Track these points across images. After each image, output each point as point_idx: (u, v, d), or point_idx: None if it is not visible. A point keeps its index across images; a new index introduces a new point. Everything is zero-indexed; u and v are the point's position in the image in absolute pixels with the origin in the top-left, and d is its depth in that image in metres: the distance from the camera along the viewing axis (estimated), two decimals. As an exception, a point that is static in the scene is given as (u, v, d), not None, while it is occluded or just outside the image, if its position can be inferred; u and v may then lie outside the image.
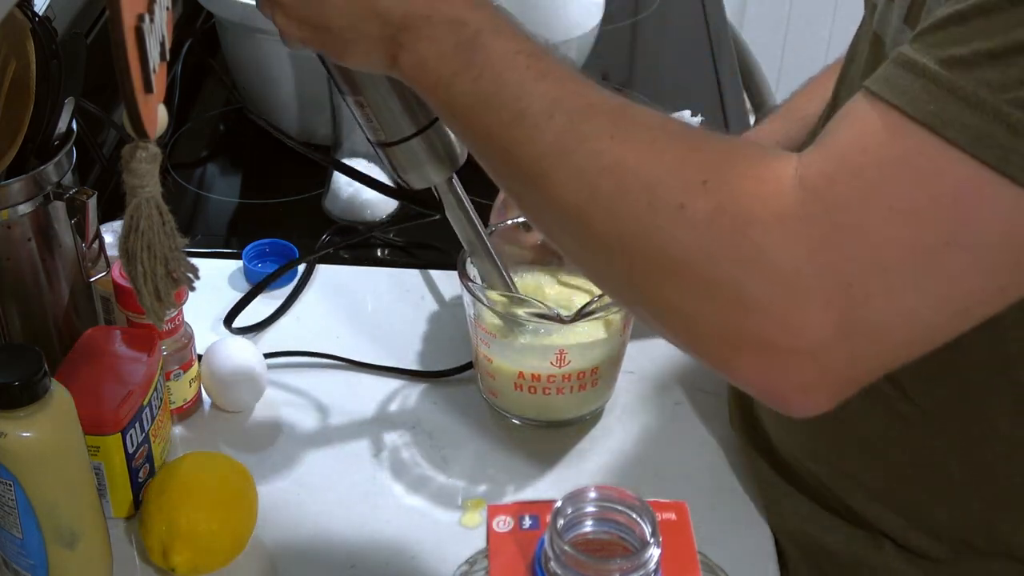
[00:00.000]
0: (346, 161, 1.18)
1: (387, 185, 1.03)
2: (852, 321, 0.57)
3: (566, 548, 0.51)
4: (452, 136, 0.80)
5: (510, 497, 0.89)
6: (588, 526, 0.53)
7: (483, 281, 0.90)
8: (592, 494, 0.54)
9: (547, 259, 0.96)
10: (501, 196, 1.00)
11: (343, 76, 0.77)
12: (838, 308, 0.57)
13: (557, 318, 0.86)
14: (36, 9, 0.87)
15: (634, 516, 0.53)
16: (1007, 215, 0.55)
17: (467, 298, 0.90)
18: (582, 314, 0.86)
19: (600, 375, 0.92)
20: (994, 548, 0.77)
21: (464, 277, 0.90)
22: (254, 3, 0.73)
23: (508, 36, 0.66)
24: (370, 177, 1.00)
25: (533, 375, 0.90)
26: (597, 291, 0.92)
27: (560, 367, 0.89)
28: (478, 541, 0.85)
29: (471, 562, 0.60)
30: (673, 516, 0.56)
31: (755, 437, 0.89)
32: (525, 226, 0.96)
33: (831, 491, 0.82)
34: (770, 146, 0.62)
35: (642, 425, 0.96)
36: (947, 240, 0.56)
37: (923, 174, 0.56)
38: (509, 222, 0.96)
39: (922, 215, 0.56)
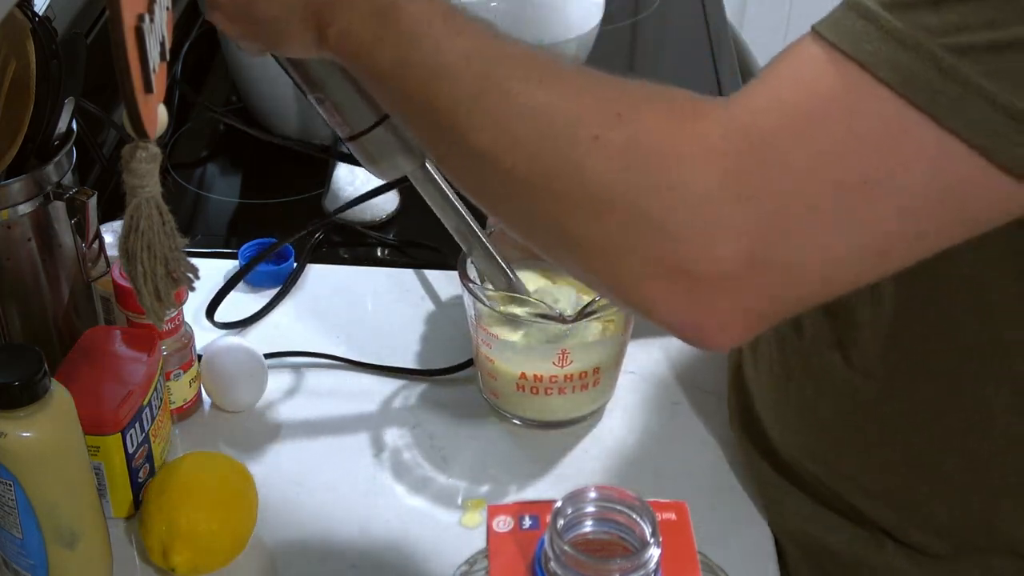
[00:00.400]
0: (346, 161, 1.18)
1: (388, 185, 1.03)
2: (767, 253, 0.58)
3: (566, 548, 0.51)
4: None
5: (510, 497, 0.89)
6: (588, 526, 0.53)
7: (479, 274, 0.90)
8: (592, 494, 0.54)
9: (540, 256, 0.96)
10: None
11: (299, 73, 0.78)
12: (753, 239, 0.57)
13: (559, 318, 0.86)
14: (36, 9, 0.87)
15: (634, 516, 0.53)
16: (932, 157, 0.55)
17: (468, 299, 0.90)
18: (584, 314, 0.86)
19: (602, 375, 0.92)
20: (994, 544, 0.77)
21: (464, 278, 0.90)
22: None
23: (424, 1, 0.66)
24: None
25: (535, 376, 0.90)
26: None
27: (562, 367, 0.89)
28: (478, 541, 0.85)
29: (471, 562, 0.60)
30: (673, 516, 0.56)
31: (755, 437, 0.89)
32: None
33: (830, 490, 0.82)
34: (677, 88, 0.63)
35: (642, 425, 0.96)
36: (869, 179, 0.56)
37: (852, 111, 0.56)
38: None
39: (847, 152, 0.56)
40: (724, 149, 0.58)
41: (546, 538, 0.53)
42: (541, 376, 0.90)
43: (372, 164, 0.81)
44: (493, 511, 0.57)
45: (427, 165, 0.83)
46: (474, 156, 0.64)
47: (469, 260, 0.91)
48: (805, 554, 0.84)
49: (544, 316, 0.87)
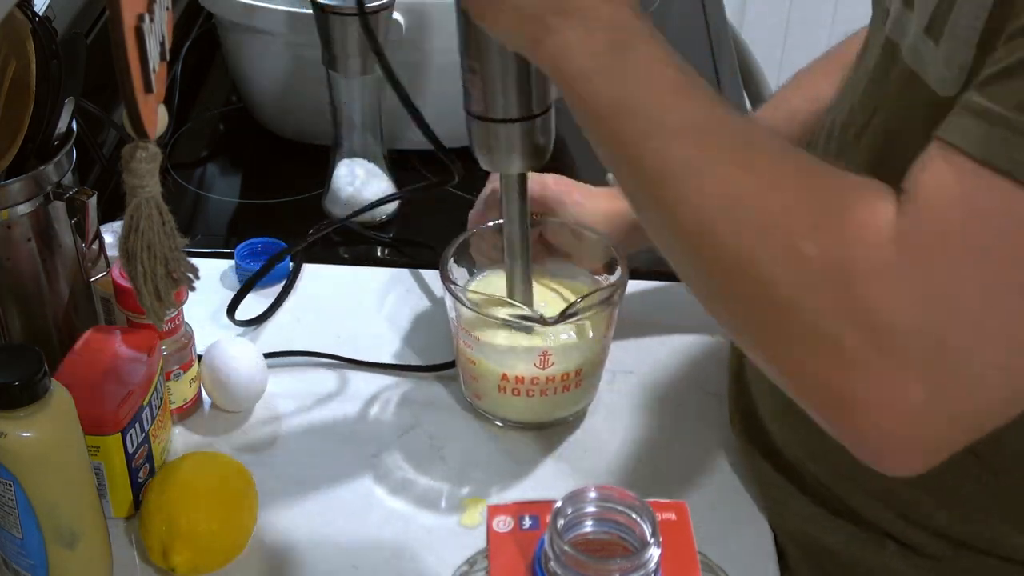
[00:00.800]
0: (346, 161, 1.18)
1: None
2: (949, 379, 0.58)
3: (566, 548, 0.51)
4: (552, 133, 0.79)
5: (510, 497, 0.89)
6: (588, 526, 0.53)
7: (507, 282, 0.89)
8: (592, 494, 0.54)
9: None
10: (482, 197, 1.00)
11: (473, 39, 0.76)
12: (935, 368, 0.58)
13: (540, 320, 0.86)
14: (36, 9, 0.87)
15: (634, 516, 0.53)
16: None
17: (449, 300, 0.90)
18: (565, 316, 0.86)
19: (583, 376, 0.92)
20: (994, 547, 0.77)
21: (446, 279, 0.90)
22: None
23: (657, 47, 0.67)
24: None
25: (517, 377, 0.89)
26: (575, 295, 0.93)
27: (543, 368, 0.89)
28: (478, 541, 0.85)
29: (471, 562, 0.60)
30: (673, 516, 0.56)
31: (756, 437, 0.89)
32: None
33: (831, 491, 0.82)
34: (869, 180, 0.63)
35: (642, 425, 0.96)
36: None
37: (1009, 224, 0.57)
38: (491, 224, 0.95)
39: (1012, 265, 0.57)
40: (899, 270, 0.59)
41: (546, 538, 0.53)
42: (523, 378, 0.89)
43: (486, 152, 0.80)
44: (493, 511, 0.57)
45: (526, 178, 0.82)
46: (670, 221, 0.66)
47: (451, 261, 0.91)
48: (805, 554, 0.84)
49: (525, 318, 0.87)
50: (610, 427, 0.95)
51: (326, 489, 0.89)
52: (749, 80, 1.58)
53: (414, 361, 1.01)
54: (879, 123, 0.75)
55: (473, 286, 0.94)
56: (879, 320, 0.59)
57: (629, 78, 0.66)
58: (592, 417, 0.96)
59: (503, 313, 0.89)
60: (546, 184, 0.96)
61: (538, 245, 0.96)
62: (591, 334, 0.90)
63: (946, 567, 0.78)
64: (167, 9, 0.67)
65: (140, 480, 0.85)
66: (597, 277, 0.96)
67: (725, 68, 1.49)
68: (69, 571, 0.78)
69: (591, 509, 0.54)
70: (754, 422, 0.89)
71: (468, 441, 0.94)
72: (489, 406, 0.93)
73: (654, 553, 0.51)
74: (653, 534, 0.52)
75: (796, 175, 0.64)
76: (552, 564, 0.52)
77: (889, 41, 0.74)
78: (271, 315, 1.05)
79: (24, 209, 0.86)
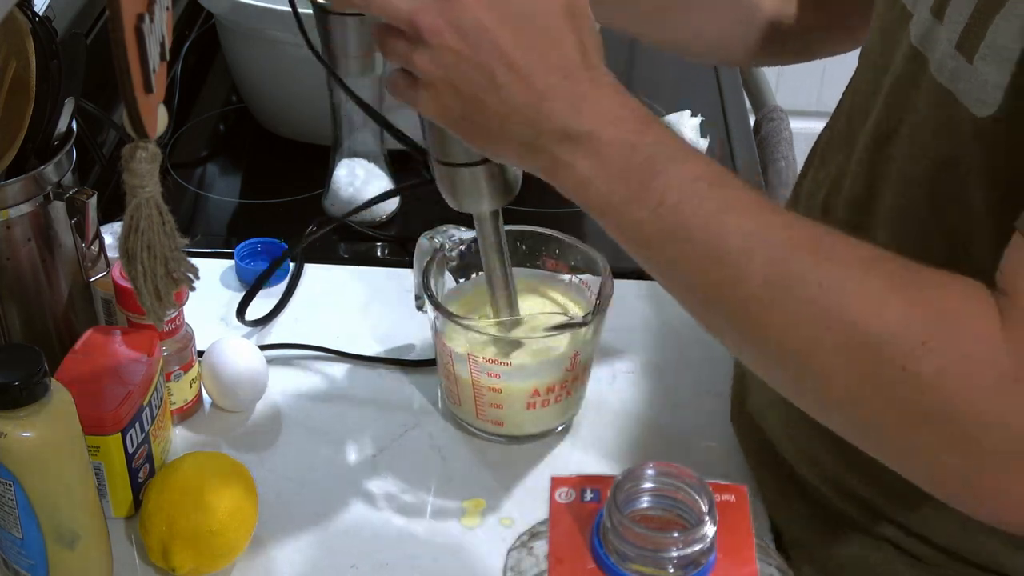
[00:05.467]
0: (346, 161, 1.18)
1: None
2: None
3: (624, 521, 0.52)
4: (517, 171, 0.76)
5: (509, 497, 0.89)
6: (646, 501, 0.55)
7: (491, 309, 0.88)
8: (651, 471, 0.55)
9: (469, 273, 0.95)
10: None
11: None
12: None
13: (581, 322, 0.86)
14: (36, 9, 0.87)
15: (692, 493, 0.54)
16: None
17: (464, 336, 0.88)
18: (597, 311, 0.86)
19: (591, 364, 0.93)
20: (992, 566, 0.76)
21: (452, 318, 0.87)
22: (380, 59, 0.69)
23: (682, 159, 0.63)
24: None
25: (548, 388, 0.89)
26: (553, 294, 0.94)
27: (572, 369, 0.89)
28: (478, 540, 0.86)
29: (532, 532, 0.61)
30: (732, 498, 0.57)
31: (756, 437, 0.89)
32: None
33: (830, 494, 0.82)
34: (964, 284, 0.62)
35: (642, 425, 0.96)
36: None
37: None
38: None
39: None
40: (1016, 377, 0.58)
41: (605, 511, 0.54)
42: (553, 386, 0.89)
43: (452, 196, 0.78)
44: (556, 482, 0.58)
45: (499, 211, 0.80)
46: (765, 349, 0.63)
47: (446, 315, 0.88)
48: (804, 553, 0.84)
49: (567, 325, 0.87)
50: (610, 426, 0.95)
51: (326, 489, 0.89)
52: (749, 80, 1.58)
53: (416, 357, 1.01)
54: (908, 134, 0.72)
55: (460, 303, 0.93)
56: (1006, 427, 0.58)
57: (665, 204, 0.62)
58: (593, 416, 0.96)
59: (538, 329, 0.87)
60: None
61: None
62: (597, 325, 0.90)
63: (944, 572, 0.78)
64: (167, 9, 0.67)
65: (140, 480, 0.85)
66: (542, 270, 0.95)
67: (725, 68, 1.49)
68: (69, 571, 0.78)
69: (650, 485, 0.55)
70: (755, 422, 0.89)
71: (468, 442, 0.93)
72: (512, 428, 0.92)
73: (709, 530, 0.52)
74: (710, 512, 0.53)
75: (891, 288, 0.61)
76: (610, 536, 0.53)
77: (916, 51, 0.71)
78: (277, 314, 1.05)
79: (24, 209, 0.86)
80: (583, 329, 0.87)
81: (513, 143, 0.65)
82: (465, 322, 0.87)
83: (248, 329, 1.04)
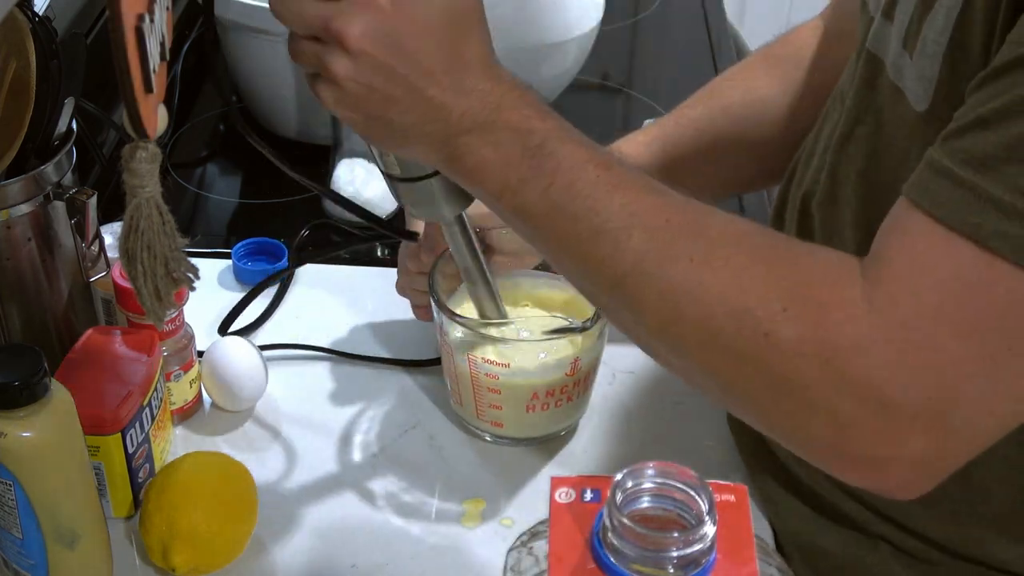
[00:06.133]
0: (346, 161, 1.18)
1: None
2: (939, 428, 0.60)
3: (624, 521, 0.52)
4: None
5: (509, 497, 0.89)
6: (646, 501, 0.55)
7: (477, 309, 0.88)
8: (651, 470, 0.55)
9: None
10: (402, 258, 0.96)
11: None
12: (925, 419, 0.60)
13: (580, 328, 0.86)
14: (36, 9, 0.87)
15: (692, 493, 0.54)
16: None
17: (466, 337, 0.88)
18: (597, 316, 0.86)
19: (594, 371, 0.92)
20: (986, 560, 0.77)
21: (454, 318, 0.87)
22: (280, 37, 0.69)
23: (575, 144, 0.66)
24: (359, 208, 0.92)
25: (548, 391, 0.89)
26: (549, 297, 0.94)
27: (572, 375, 0.89)
28: (478, 540, 0.86)
29: (533, 532, 0.61)
30: (732, 498, 0.57)
31: (753, 438, 0.89)
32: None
33: (824, 496, 0.82)
34: (827, 253, 0.65)
35: (642, 425, 0.96)
36: (1009, 346, 0.59)
37: (976, 288, 0.58)
38: (446, 253, 0.91)
39: (982, 327, 0.59)
40: (876, 339, 0.60)
41: (605, 511, 0.54)
42: (553, 390, 0.89)
43: (413, 207, 0.79)
44: (556, 482, 0.58)
45: (463, 215, 0.81)
46: (637, 322, 0.67)
47: (447, 312, 0.88)
48: (803, 554, 0.84)
49: (564, 330, 0.87)
50: (610, 426, 0.95)
51: (326, 489, 0.89)
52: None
53: (415, 356, 1.01)
54: (863, 134, 0.75)
55: (468, 303, 0.92)
56: (865, 386, 0.60)
57: (556, 184, 0.65)
58: (593, 417, 0.96)
59: (536, 331, 0.88)
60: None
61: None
62: (600, 330, 0.90)
63: (940, 571, 0.78)
64: (167, 9, 0.67)
65: (140, 480, 0.85)
66: (549, 273, 0.95)
67: (725, 68, 1.49)
68: (69, 571, 0.78)
69: (650, 484, 0.55)
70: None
71: (468, 442, 0.93)
72: (511, 431, 0.92)
73: (709, 530, 0.52)
74: (710, 512, 0.53)
75: (755, 261, 0.64)
76: (610, 536, 0.53)
77: (871, 54, 0.75)
78: (266, 319, 1.05)
79: (24, 209, 0.86)
80: (583, 335, 0.87)
81: (422, 141, 0.68)
82: (462, 320, 0.87)
83: (248, 329, 1.04)
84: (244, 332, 1.03)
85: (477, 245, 0.85)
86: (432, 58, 0.65)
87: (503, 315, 0.89)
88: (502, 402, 0.89)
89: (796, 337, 0.61)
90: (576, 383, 0.90)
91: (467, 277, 0.87)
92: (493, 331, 0.88)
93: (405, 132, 0.67)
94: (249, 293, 1.06)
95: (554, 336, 0.88)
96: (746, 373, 0.63)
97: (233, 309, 1.04)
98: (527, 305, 0.95)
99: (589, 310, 0.88)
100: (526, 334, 0.89)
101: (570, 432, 0.95)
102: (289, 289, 1.09)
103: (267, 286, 1.07)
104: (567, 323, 0.89)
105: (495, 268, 0.94)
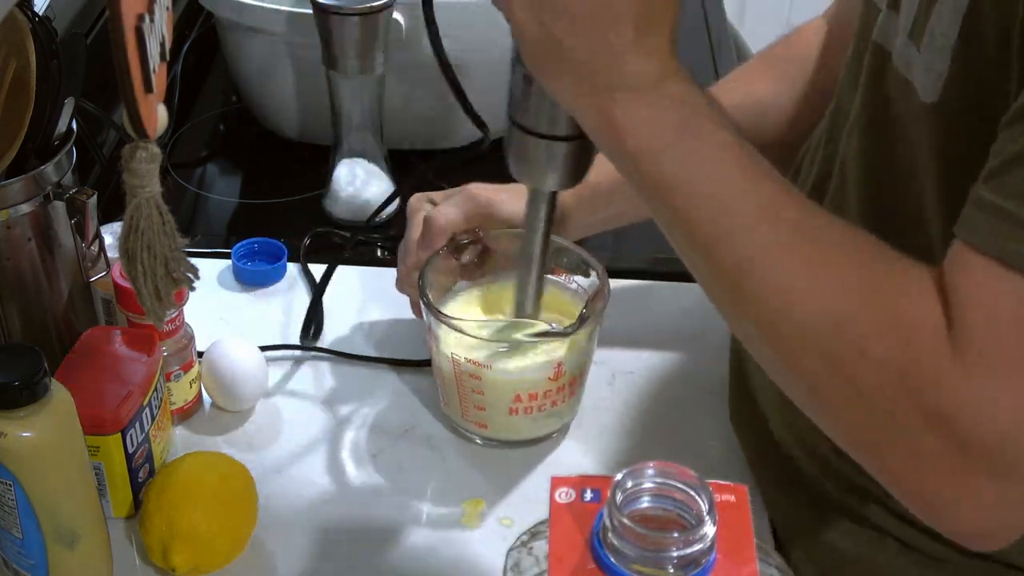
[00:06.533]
0: (346, 161, 1.18)
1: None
2: (1014, 472, 0.61)
3: (624, 521, 0.52)
4: (591, 157, 0.77)
5: (509, 498, 0.89)
6: (646, 501, 0.55)
7: (516, 298, 0.86)
8: (651, 470, 0.55)
9: (475, 275, 0.95)
10: (412, 239, 0.95)
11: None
12: (1001, 461, 0.60)
13: (562, 332, 0.86)
14: (36, 9, 0.87)
15: (692, 493, 0.54)
16: None
17: (445, 342, 0.88)
18: (582, 322, 0.85)
19: (583, 377, 0.92)
20: (995, 557, 0.77)
21: (439, 317, 0.87)
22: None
23: (724, 128, 0.67)
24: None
25: (531, 395, 0.88)
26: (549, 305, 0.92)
27: (556, 380, 0.89)
28: (479, 541, 0.86)
29: (532, 532, 0.61)
30: (732, 498, 0.57)
31: (755, 435, 0.89)
32: (455, 251, 0.93)
33: (830, 492, 0.82)
34: (918, 272, 0.65)
35: (642, 424, 0.96)
36: None
37: None
38: (441, 251, 0.92)
39: None
40: (956, 372, 0.60)
41: (605, 511, 0.54)
42: (536, 394, 0.88)
43: (522, 163, 0.77)
44: (556, 482, 0.58)
45: (556, 194, 0.80)
46: (739, 308, 0.67)
47: (431, 304, 0.87)
48: (807, 550, 0.84)
49: (547, 333, 0.87)
50: (610, 426, 0.95)
51: (326, 489, 0.89)
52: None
53: (415, 357, 1.01)
54: (870, 126, 0.76)
55: (448, 311, 0.92)
56: (945, 423, 0.60)
57: (700, 160, 0.66)
58: (592, 416, 0.96)
59: (519, 334, 0.88)
60: (469, 195, 0.94)
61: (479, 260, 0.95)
62: (588, 336, 0.90)
63: (948, 567, 0.78)
64: (167, 9, 0.67)
65: (140, 480, 0.85)
66: (547, 275, 0.95)
67: (725, 68, 1.49)
68: (69, 571, 0.78)
69: (650, 484, 0.55)
70: (753, 420, 0.89)
71: (467, 441, 0.93)
72: (497, 432, 0.92)
73: (709, 530, 0.52)
74: (710, 512, 0.53)
75: (861, 272, 0.65)
76: (610, 536, 0.53)
77: (877, 46, 0.75)
78: (321, 321, 1.05)
79: (24, 209, 0.86)
80: (565, 340, 0.87)
81: (581, 81, 0.67)
82: (447, 319, 0.87)
83: (248, 329, 1.04)
84: (315, 349, 1.03)
85: (550, 231, 0.83)
86: (632, 5, 0.65)
87: (535, 315, 0.87)
88: (485, 403, 0.89)
89: (886, 358, 0.62)
90: (560, 388, 0.89)
91: (526, 261, 0.84)
92: (476, 331, 0.88)
93: (570, 63, 0.66)
94: (315, 298, 1.06)
95: (536, 340, 0.87)
96: (835, 382, 0.64)
97: (307, 316, 1.05)
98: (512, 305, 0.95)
99: (574, 315, 0.87)
100: (510, 336, 0.89)
101: (570, 431, 0.94)
102: (290, 292, 1.08)
103: (268, 289, 1.07)
104: (550, 327, 0.88)
105: (496, 268, 0.94)
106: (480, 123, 0.84)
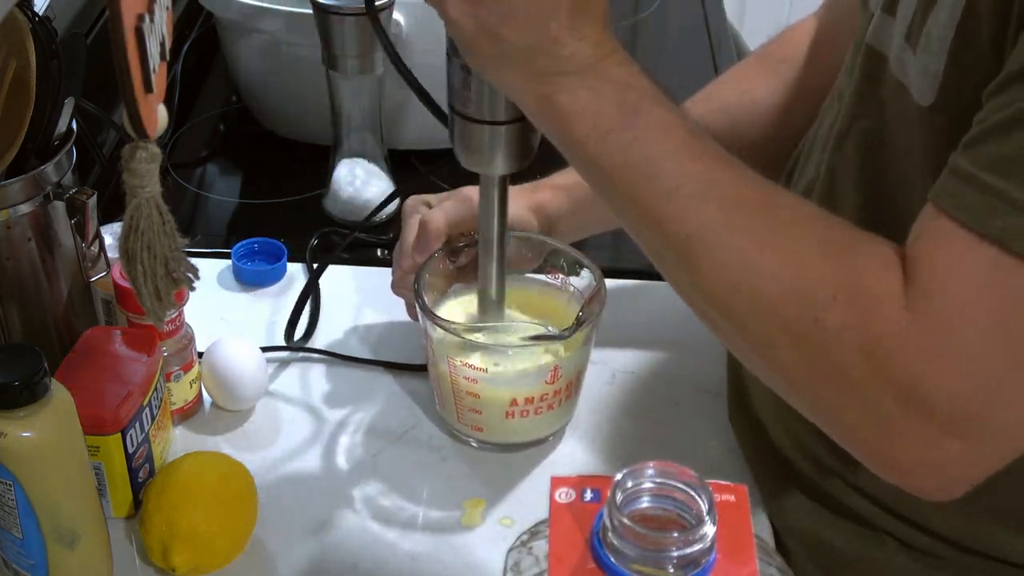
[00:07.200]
0: (346, 161, 1.18)
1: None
2: (974, 431, 0.61)
3: (624, 521, 0.53)
4: (535, 137, 0.78)
5: (509, 497, 0.89)
6: (646, 501, 0.55)
7: (479, 287, 0.88)
8: (651, 470, 0.55)
9: (471, 278, 0.94)
10: (407, 241, 0.95)
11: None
12: (960, 421, 0.61)
13: (558, 335, 0.86)
14: (36, 9, 0.87)
15: (692, 493, 0.54)
16: None
17: (440, 345, 0.87)
18: (579, 325, 0.85)
19: (580, 381, 0.91)
20: (993, 552, 0.77)
21: (435, 321, 0.86)
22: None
23: (667, 108, 0.68)
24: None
25: (527, 399, 0.88)
26: (538, 302, 0.93)
27: (552, 383, 0.88)
28: (479, 541, 0.86)
29: (532, 531, 0.61)
30: (732, 498, 0.57)
31: (754, 435, 0.89)
32: (451, 254, 0.93)
33: (828, 491, 0.82)
34: (876, 243, 0.66)
35: (642, 424, 0.96)
36: None
37: (1003, 291, 0.59)
38: (436, 254, 0.92)
39: (1011, 330, 0.60)
40: (910, 336, 0.61)
41: (605, 511, 0.54)
42: (532, 397, 0.88)
43: (468, 151, 0.78)
44: (556, 482, 0.58)
45: (506, 178, 0.81)
46: (693, 285, 0.68)
47: (427, 308, 0.87)
48: (806, 549, 0.84)
49: (542, 337, 0.87)
50: (610, 426, 0.95)
51: (326, 489, 0.89)
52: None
53: (414, 360, 1.01)
54: (864, 129, 0.76)
55: (443, 313, 0.92)
56: (906, 388, 0.61)
57: (644, 140, 0.67)
58: (592, 416, 0.96)
59: (515, 338, 0.88)
60: (465, 197, 0.94)
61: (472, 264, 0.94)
62: (584, 339, 0.89)
63: (947, 564, 0.78)
64: (167, 9, 0.67)
65: (140, 480, 0.85)
66: (543, 276, 0.95)
67: (725, 68, 1.49)
68: (69, 571, 0.78)
69: (650, 484, 0.55)
70: (752, 420, 0.89)
71: (467, 441, 0.93)
72: (492, 435, 0.91)
73: (709, 530, 0.52)
74: (710, 511, 0.53)
75: (815, 245, 0.65)
76: (610, 536, 0.53)
77: (871, 49, 0.75)
78: (315, 322, 1.05)
79: (24, 209, 0.86)
80: (564, 343, 0.87)
81: (523, 69, 0.68)
82: (443, 323, 0.87)
83: (248, 329, 1.04)
84: (299, 349, 1.03)
85: (506, 214, 0.84)
86: None
87: (500, 305, 0.88)
88: (481, 407, 0.89)
89: (842, 325, 0.63)
90: (557, 392, 0.89)
91: (484, 243, 0.86)
92: (472, 336, 0.88)
93: (510, 56, 0.68)
94: (304, 296, 1.06)
95: (532, 343, 0.87)
96: (793, 355, 0.65)
97: (292, 314, 1.04)
98: (511, 308, 0.94)
99: (570, 318, 0.88)
100: (506, 340, 0.89)
101: (570, 431, 0.94)
102: (290, 292, 1.08)
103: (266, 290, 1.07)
104: (546, 330, 0.88)
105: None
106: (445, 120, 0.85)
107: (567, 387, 0.90)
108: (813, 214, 0.68)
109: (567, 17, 0.66)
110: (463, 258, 0.94)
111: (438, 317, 0.88)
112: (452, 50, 0.75)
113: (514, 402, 0.88)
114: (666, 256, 0.69)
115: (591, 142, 0.68)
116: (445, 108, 0.80)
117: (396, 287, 0.98)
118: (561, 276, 0.94)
